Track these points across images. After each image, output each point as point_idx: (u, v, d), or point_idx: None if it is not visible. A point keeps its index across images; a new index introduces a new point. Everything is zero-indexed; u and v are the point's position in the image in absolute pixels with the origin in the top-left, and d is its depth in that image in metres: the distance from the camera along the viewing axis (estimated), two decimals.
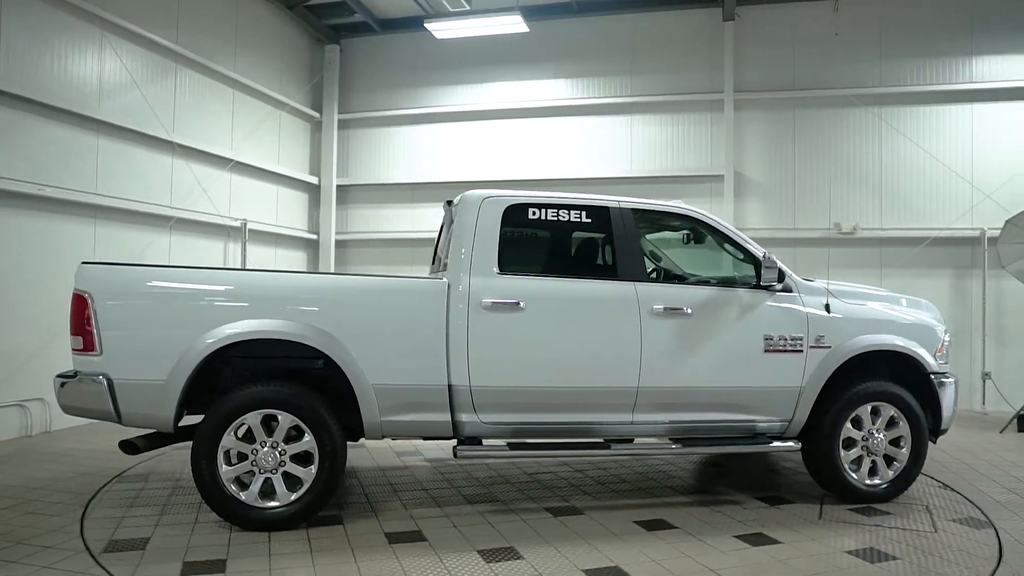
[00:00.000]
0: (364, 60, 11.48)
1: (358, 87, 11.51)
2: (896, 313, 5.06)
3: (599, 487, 5.20)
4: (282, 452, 3.98)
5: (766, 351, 4.62)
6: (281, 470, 3.99)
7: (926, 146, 9.46)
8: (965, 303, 9.24)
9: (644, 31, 10.42)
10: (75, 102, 6.98)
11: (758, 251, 4.77)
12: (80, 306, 3.85)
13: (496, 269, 4.23)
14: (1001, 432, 7.58)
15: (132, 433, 4.10)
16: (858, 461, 4.85)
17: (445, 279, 4.25)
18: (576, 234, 4.64)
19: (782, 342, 4.66)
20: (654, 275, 5.14)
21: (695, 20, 10.25)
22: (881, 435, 4.85)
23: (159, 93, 8.11)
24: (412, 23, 10.92)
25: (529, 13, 9.53)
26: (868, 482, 4.84)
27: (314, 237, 11.32)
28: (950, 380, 5.00)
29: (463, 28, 9.62)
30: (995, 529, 4.41)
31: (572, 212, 4.45)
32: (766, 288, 4.69)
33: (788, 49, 9.97)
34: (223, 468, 3.91)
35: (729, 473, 5.77)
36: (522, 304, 4.19)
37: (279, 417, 3.96)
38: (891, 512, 4.72)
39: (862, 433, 4.82)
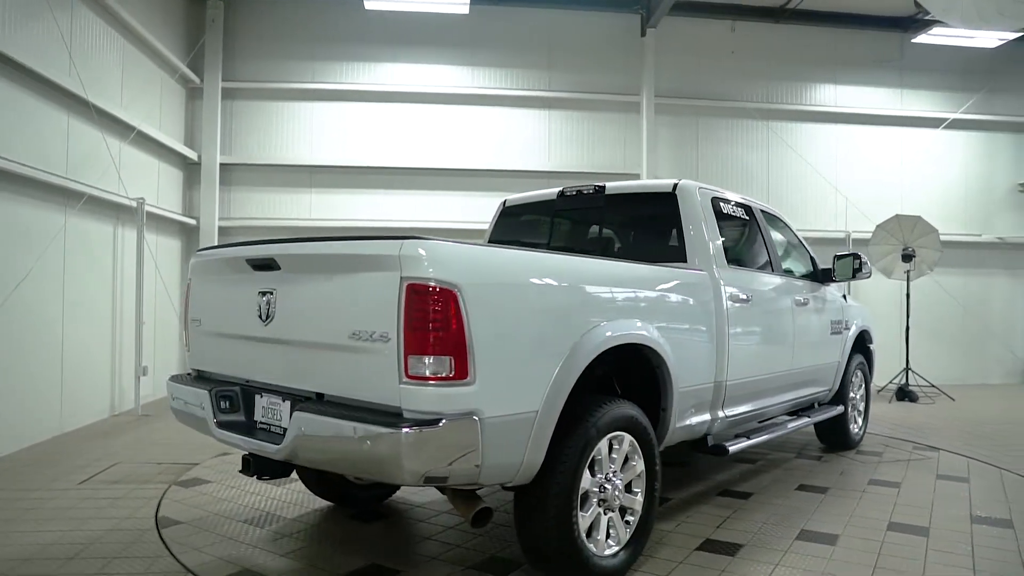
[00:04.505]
0: (252, 23, 10.06)
1: (243, 53, 10.05)
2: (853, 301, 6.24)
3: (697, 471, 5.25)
4: (620, 481, 3.16)
5: (831, 333, 5.31)
6: (618, 504, 3.13)
7: (806, 158, 10.88)
8: None
9: (563, 28, 10.53)
10: None
11: (811, 253, 5.42)
12: (445, 309, 2.35)
13: (726, 261, 4.04)
14: (890, 402, 9.12)
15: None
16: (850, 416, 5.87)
17: (703, 270, 3.86)
18: (746, 229, 4.66)
19: (837, 325, 5.42)
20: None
21: (612, 24, 10.61)
22: (858, 394, 6.00)
23: (57, 29, 6.34)
24: None
25: None
26: (856, 431, 5.93)
27: (192, 222, 9.66)
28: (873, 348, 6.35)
29: (401, 2, 8.91)
30: (944, 451, 6.03)
31: (740, 208, 4.52)
32: (824, 282, 5.32)
33: (693, 61, 10.78)
34: (580, 515, 2.86)
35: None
36: (750, 296, 4.10)
37: (621, 441, 3.13)
38: (882, 451, 5.91)
39: (852, 394, 5.86)
